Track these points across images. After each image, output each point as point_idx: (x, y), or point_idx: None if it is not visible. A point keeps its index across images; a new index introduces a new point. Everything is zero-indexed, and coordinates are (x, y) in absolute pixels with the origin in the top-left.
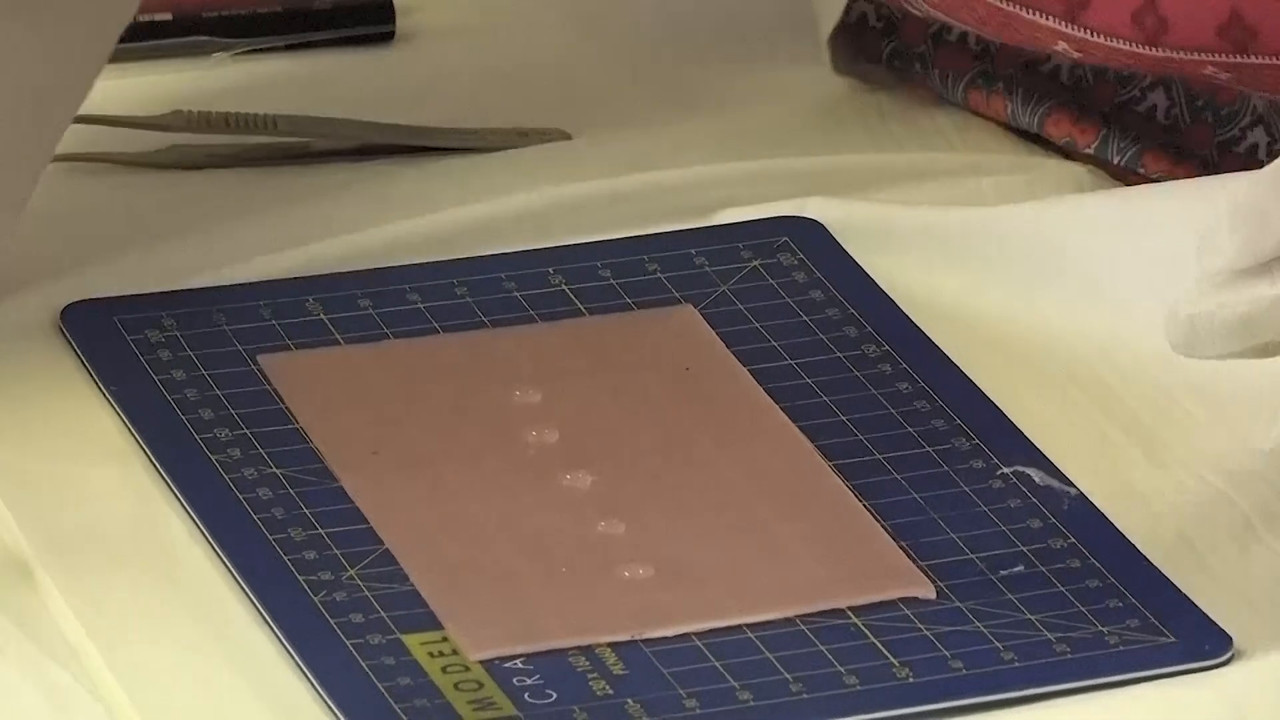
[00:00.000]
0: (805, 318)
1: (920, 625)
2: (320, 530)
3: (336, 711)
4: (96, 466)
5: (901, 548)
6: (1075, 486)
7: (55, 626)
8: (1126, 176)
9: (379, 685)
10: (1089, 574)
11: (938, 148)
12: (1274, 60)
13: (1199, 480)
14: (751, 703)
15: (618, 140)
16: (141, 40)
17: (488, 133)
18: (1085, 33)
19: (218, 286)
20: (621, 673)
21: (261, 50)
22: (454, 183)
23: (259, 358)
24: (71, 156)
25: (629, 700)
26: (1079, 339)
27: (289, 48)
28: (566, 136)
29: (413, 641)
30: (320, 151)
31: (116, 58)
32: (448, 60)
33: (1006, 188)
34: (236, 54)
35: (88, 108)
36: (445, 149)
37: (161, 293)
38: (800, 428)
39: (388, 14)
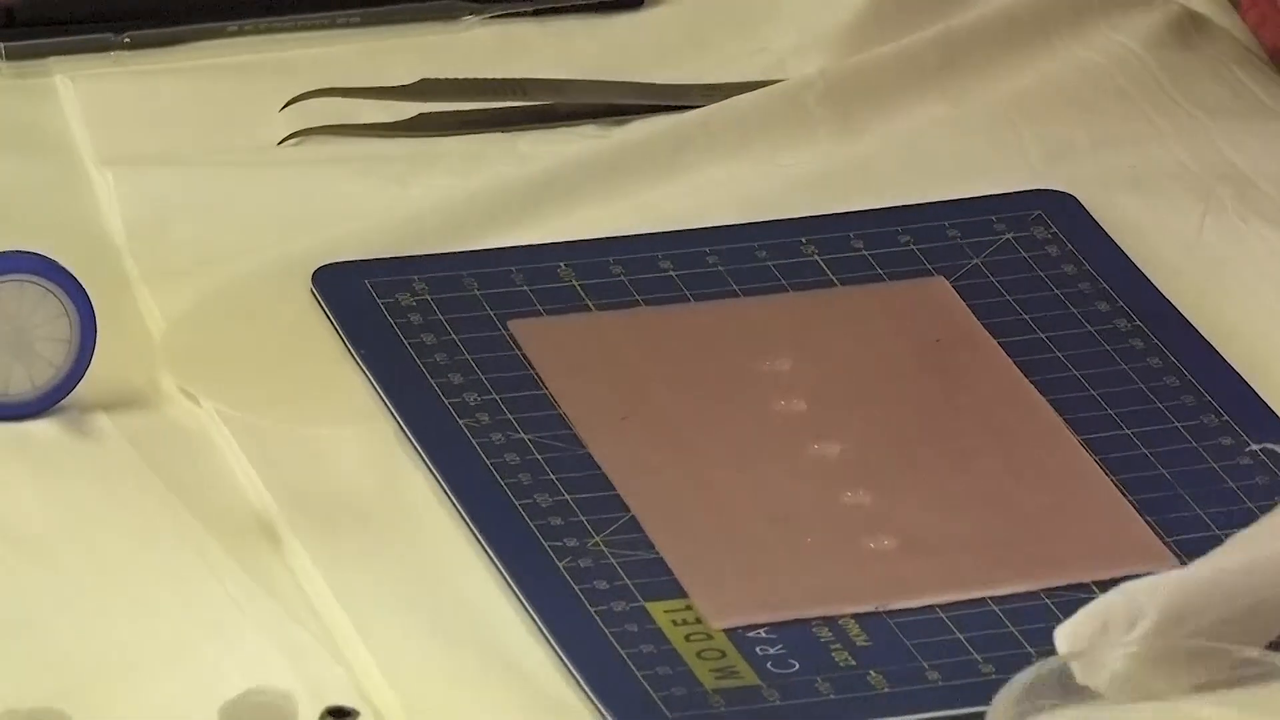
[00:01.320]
0: (1057, 291)
1: None
2: (566, 496)
3: (579, 678)
4: (344, 428)
5: (1147, 523)
6: None
7: (298, 586)
8: None
9: (622, 652)
10: None
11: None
12: None
13: None
14: (994, 675)
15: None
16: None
17: (733, 87)
18: None
19: (469, 251)
20: (865, 644)
21: (509, 15)
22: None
23: (509, 323)
24: (325, 130)
25: (871, 671)
26: None
27: (536, 12)
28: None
29: (656, 609)
30: (568, 114)
31: (368, 21)
32: (698, 23)
33: None
34: (486, 18)
35: (338, 77)
36: (692, 106)
37: (413, 256)
38: (1049, 401)
39: None
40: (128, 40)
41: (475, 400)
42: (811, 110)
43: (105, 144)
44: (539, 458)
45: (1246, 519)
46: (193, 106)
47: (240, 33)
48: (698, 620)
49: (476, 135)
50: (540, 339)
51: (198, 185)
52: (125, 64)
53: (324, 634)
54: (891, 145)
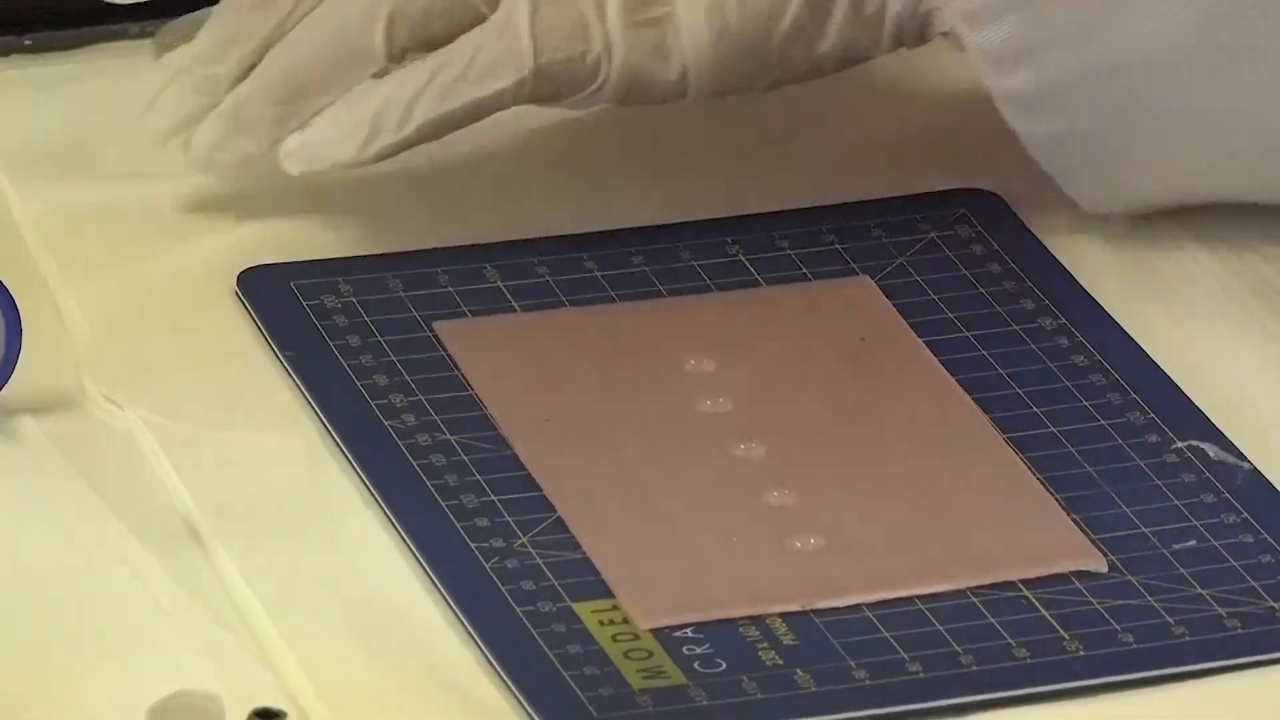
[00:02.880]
0: (982, 290)
1: (1091, 599)
2: (493, 497)
3: (505, 678)
4: (270, 432)
5: (1074, 521)
6: (1249, 462)
7: (224, 590)
8: None
9: (549, 653)
10: (1262, 549)
11: None
12: None
13: None
14: (921, 674)
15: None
16: None
17: None
18: None
19: (394, 253)
20: (791, 643)
21: None
22: None
23: (435, 324)
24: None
25: (798, 670)
26: (1264, 315)
27: None
28: None
29: (583, 609)
30: None
31: None
32: None
33: None
34: None
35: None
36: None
37: (338, 259)
38: (975, 400)
39: None
40: (29, 43)
41: (401, 402)
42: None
43: (13, 147)
44: (465, 459)
45: (1173, 517)
46: (100, 107)
47: (143, 34)
48: (625, 620)
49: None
50: (466, 340)
51: (111, 187)
52: (27, 67)
53: (250, 637)
54: (814, 145)
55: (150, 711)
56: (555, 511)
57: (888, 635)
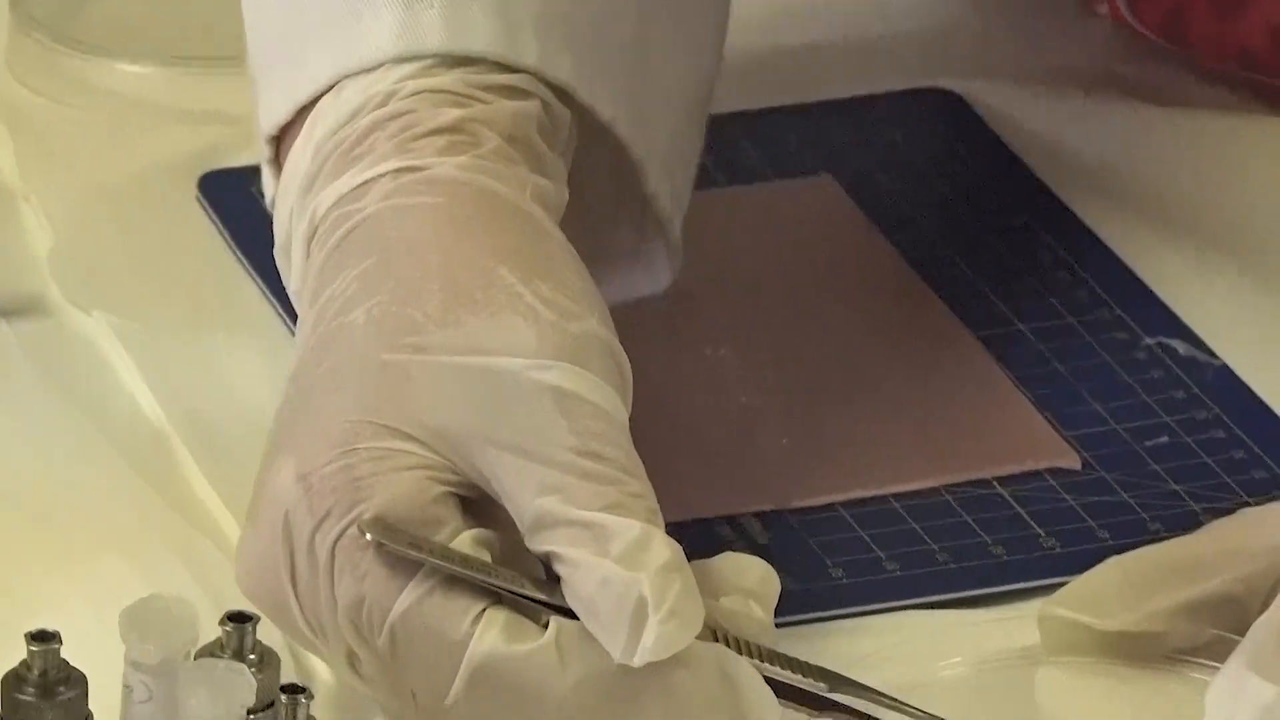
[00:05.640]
0: (945, 189)
1: (1066, 496)
2: None
3: None
4: (236, 336)
5: (1046, 419)
6: (1218, 358)
7: (194, 495)
8: None
9: None
10: (1234, 445)
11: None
12: None
13: None
14: (898, 572)
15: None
16: None
17: None
18: None
19: None
20: (766, 542)
21: None
22: None
23: None
24: None
25: (774, 569)
26: (1223, 209)
27: None
28: None
29: None
30: None
31: None
32: None
33: None
34: None
35: None
36: None
37: None
38: (942, 298)
39: None
40: None
41: None
42: None
43: None
44: None
45: (1145, 413)
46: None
47: None
48: None
49: None
50: None
51: (72, 90)
52: None
53: (223, 541)
54: (776, 47)
55: (123, 615)
56: None
57: (863, 534)
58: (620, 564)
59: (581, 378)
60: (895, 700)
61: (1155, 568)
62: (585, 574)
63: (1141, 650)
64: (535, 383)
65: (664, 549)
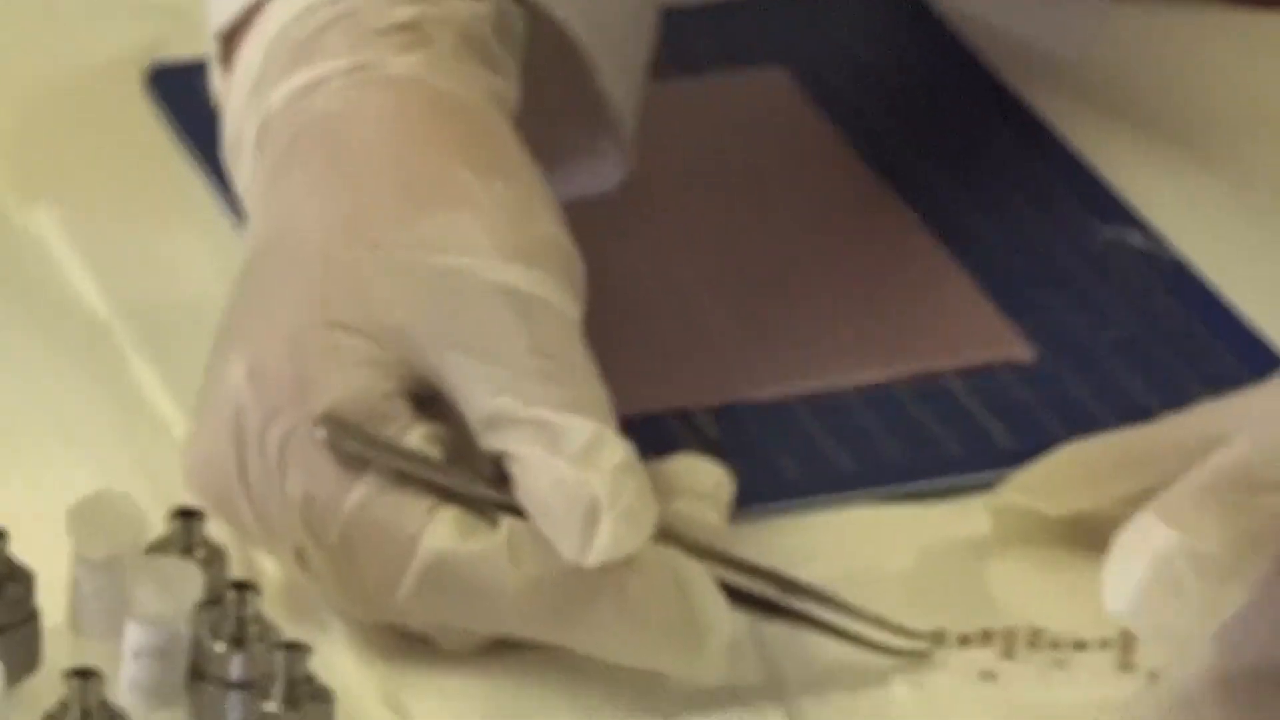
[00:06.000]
0: (900, 83)
1: (1019, 389)
2: None
3: None
4: (182, 230)
5: (1000, 312)
6: (1175, 250)
7: (141, 392)
8: None
9: None
10: (1189, 338)
11: None
12: None
13: None
14: (849, 465)
15: None
16: None
17: None
18: None
19: None
20: (717, 436)
21: None
22: None
23: None
24: None
25: (724, 462)
26: (1180, 102)
27: None
28: None
29: None
30: None
31: None
32: None
33: None
34: None
35: None
36: None
37: None
38: (896, 192)
39: None
40: None
41: None
42: None
43: None
44: None
45: (1099, 306)
46: None
47: None
48: None
49: None
50: None
51: None
52: None
53: (170, 437)
54: None
55: (70, 511)
56: None
57: (815, 427)
58: (574, 464)
59: (537, 277)
60: (846, 604)
61: (1109, 456)
62: (538, 473)
63: (1093, 537)
64: (491, 282)
65: (618, 449)
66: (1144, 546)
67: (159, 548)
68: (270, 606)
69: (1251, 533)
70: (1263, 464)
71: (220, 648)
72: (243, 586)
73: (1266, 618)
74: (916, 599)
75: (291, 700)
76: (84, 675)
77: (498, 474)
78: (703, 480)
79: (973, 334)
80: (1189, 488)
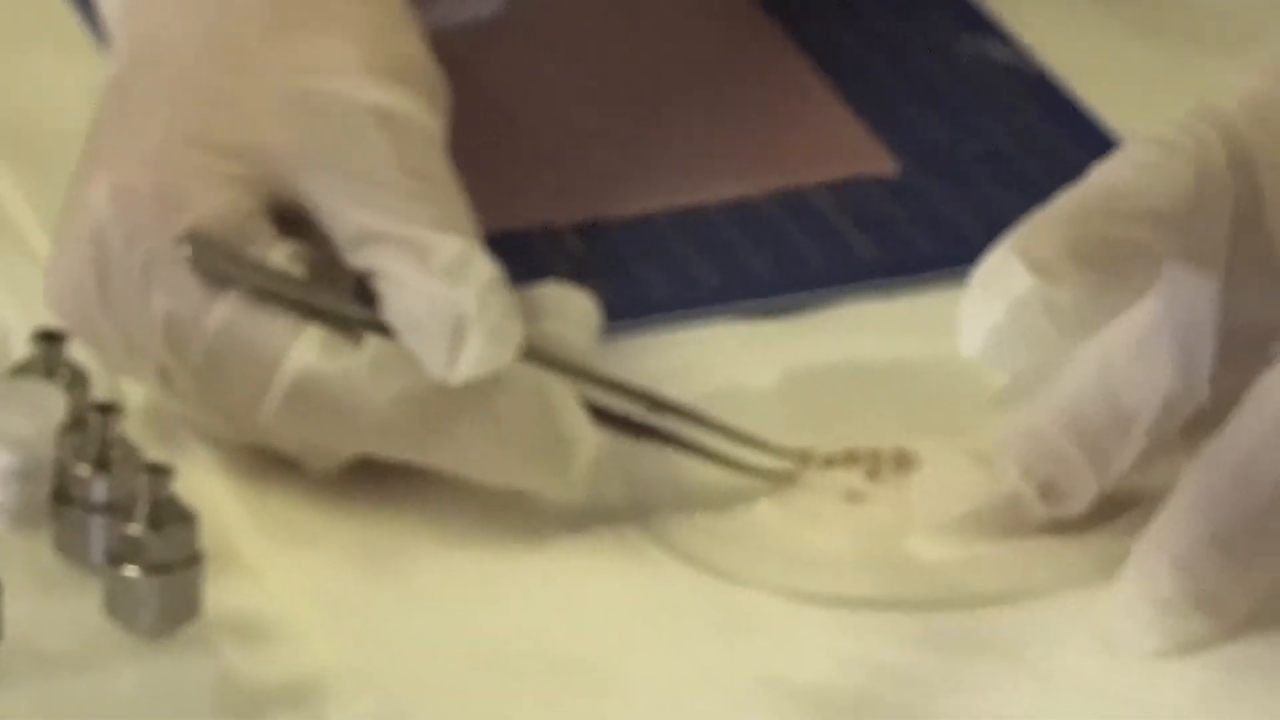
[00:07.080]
0: None
1: (884, 203)
2: None
3: None
4: (44, 47)
5: (865, 126)
6: (1039, 62)
7: (8, 214)
8: None
9: None
10: (1053, 150)
11: None
12: None
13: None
14: (714, 281)
15: None
16: None
17: None
18: None
19: None
20: (582, 254)
21: None
22: None
23: None
24: None
25: (591, 280)
26: None
27: None
28: None
29: None
30: None
31: None
32: None
33: None
34: None
35: None
36: None
37: None
38: (764, 9)
39: None
40: None
41: None
42: None
43: None
44: None
45: (965, 119)
46: None
47: None
48: None
49: None
50: None
51: None
52: None
53: (33, 256)
54: None
55: None
56: None
57: (680, 243)
58: (442, 280)
59: (403, 96)
60: (714, 420)
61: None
62: (406, 289)
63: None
64: (357, 101)
65: (486, 267)
66: (1001, 288)
67: (21, 371)
68: (133, 429)
69: (1107, 275)
70: (1127, 193)
71: (83, 470)
72: (106, 409)
73: None
74: (777, 414)
75: (155, 522)
76: None
77: (361, 295)
78: (570, 308)
79: (837, 148)
80: (1050, 220)
